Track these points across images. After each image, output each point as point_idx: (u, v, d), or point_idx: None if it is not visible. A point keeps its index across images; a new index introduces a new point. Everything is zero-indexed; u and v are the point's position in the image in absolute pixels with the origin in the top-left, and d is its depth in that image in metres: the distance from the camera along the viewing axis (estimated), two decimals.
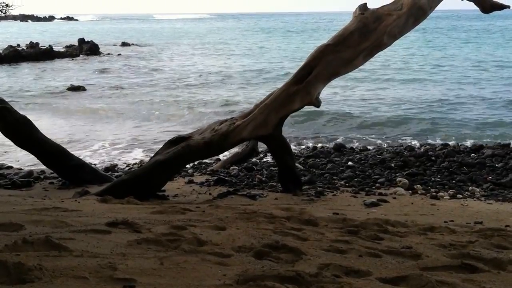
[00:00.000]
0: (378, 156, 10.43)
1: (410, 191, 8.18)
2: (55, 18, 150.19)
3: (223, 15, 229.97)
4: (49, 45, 38.60)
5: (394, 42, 8.06)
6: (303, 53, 34.14)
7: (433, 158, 10.08)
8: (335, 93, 19.91)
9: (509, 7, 9.00)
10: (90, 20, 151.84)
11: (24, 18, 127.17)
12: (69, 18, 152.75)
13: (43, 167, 9.09)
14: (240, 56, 38.51)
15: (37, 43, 38.67)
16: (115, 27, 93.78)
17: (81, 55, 36.75)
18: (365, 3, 7.96)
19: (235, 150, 9.73)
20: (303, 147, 12.16)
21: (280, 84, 8.07)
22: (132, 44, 50.14)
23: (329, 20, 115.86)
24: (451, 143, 11.96)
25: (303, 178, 8.48)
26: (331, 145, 11.96)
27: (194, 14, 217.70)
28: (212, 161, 10.35)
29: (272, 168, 9.39)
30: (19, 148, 8.94)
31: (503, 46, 40.51)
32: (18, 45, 38.09)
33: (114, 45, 49.11)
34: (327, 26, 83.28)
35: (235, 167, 9.70)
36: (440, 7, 8.42)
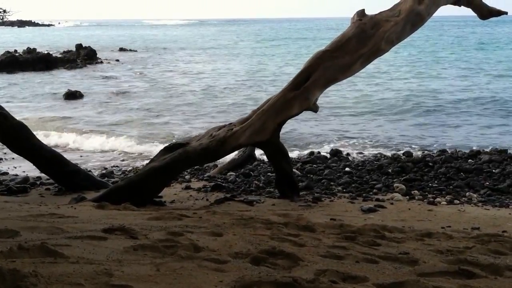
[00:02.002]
0: (375, 162, 10.44)
1: (407, 197, 8.18)
2: (52, 25, 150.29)
3: (212, 20, 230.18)
4: (47, 51, 38.58)
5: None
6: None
7: (430, 164, 10.08)
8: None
9: (506, 13, 9.04)
10: (74, 26, 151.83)
11: (21, 24, 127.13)
12: (66, 27, 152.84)
13: (39, 173, 9.07)
14: (239, 61, 38.55)
15: (34, 49, 38.61)
16: (109, 33, 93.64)
17: (78, 61, 36.69)
18: (363, 9, 7.98)
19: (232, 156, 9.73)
20: (300, 152, 12.15)
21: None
22: (130, 50, 50.13)
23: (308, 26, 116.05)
24: (449, 149, 11.97)
25: (300, 184, 8.47)
26: (329, 150, 11.95)
27: (183, 20, 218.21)
28: (210, 167, 10.33)
29: (269, 174, 9.38)
30: (15, 154, 8.94)
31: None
32: (16, 51, 38.03)
33: (111, 50, 49.08)
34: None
35: (232, 173, 9.69)
36: (437, 13, 8.47)
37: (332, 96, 19.73)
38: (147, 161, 9.10)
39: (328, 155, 11.33)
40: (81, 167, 9.12)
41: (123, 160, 12.12)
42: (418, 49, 42.97)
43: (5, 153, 11.36)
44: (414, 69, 30.32)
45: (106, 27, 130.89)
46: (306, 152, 12.09)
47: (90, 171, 9.93)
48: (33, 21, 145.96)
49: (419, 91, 21.81)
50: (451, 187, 8.76)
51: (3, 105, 8.60)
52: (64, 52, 40.50)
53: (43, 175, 9.04)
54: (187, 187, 8.72)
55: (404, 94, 21.33)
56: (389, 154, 11.54)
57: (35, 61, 34.38)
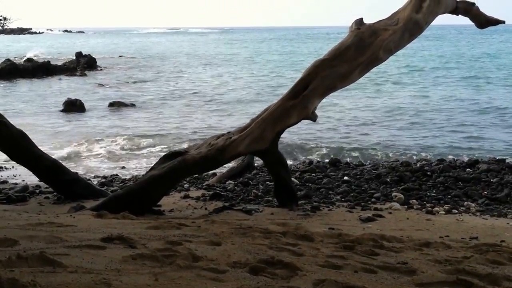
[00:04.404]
0: (374, 171, 10.44)
1: (406, 206, 8.17)
2: (50, 32, 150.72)
3: (204, 29, 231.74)
4: (46, 59, 38.66)
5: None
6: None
7: (429, 173, 10.09)
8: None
9: (504, 22, 9.07)
10: (67, 33, 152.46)
11: (21, 31, 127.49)
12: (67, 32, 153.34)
13: (38, 181, 9.06)
14: (240, 67, 38.61)
15: (34, 57, 38.72)
16: (107, 41, 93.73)
17: (78, 69, 36.76)
18: (361, 18, 8.00)
19: (231, 164, 9.74)
20: (299, 161, 12.16)
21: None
22: (129, 57, 50.25)
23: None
24: (448, 158, 11.99)
25: (299, 192, 8.46)
26: (327, 159, 11.96)
27: (172, 29, 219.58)
28: (208, 176, 10.33)
29: (268, 182, 9.38)
30: (14, 163, 8.93)
31: None
32: (15, 59, 38.14)
33: (110, 57, 49.15)
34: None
35: (231, 181, 9.68)
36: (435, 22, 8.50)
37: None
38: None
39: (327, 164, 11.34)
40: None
41: (121, 169, 12.14)
42: None
43: (6, 161, 11.35)
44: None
45: (102, 35, 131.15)
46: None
47: (89, 179, 9.94)
48: (32, 29, 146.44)
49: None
50: (449, 196, 8.77)
51: (2, 113, 8.61)
52: (64, 60, 40.59)
53: (42, 183, 9.03)
54: (186, 196, 8.71)
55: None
56: (387, 162, 11.56)
57: (35, 69, 34.50)
